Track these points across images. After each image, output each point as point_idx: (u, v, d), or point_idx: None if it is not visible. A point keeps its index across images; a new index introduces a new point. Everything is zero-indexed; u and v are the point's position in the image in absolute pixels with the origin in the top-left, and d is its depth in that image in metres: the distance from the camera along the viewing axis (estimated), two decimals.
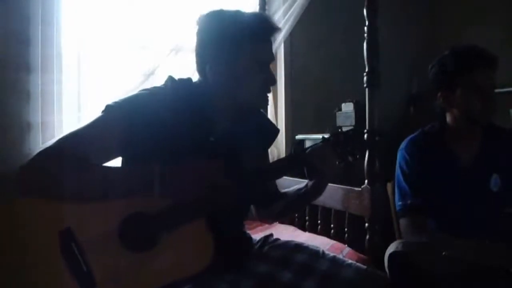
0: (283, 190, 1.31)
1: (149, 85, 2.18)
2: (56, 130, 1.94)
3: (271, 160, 1.41)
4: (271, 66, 1.16)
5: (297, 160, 1.15)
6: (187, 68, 2.29)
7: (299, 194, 1.22)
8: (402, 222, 1.46)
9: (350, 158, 1.14)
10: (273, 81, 1.15)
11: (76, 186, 0.95)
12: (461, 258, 1.19)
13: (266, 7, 2.54)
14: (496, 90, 1.49)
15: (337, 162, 1.13)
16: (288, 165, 1.14)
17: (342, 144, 1.13)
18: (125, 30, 2.24)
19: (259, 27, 1.10)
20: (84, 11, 2.09)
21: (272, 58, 1.16)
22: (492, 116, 1.46)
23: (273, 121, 2.70)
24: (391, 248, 1.30)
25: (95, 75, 2.18)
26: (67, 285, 0.92)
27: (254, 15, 1.16)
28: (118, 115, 1.03)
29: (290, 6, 2.50)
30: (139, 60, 2.29)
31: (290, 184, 1.32)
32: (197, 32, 1.14)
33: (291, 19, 2.47)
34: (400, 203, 1.47)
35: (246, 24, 1.09)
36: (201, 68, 1.15)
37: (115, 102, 1.06)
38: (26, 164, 0.98)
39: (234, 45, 1.08)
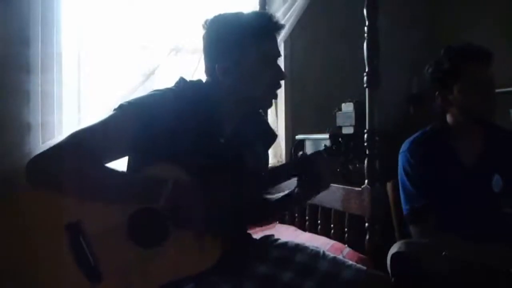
0: (266, 196, 1.31)
1: (149, 85, 2.20)
2: (56, 130, 1.94)
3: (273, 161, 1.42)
4: None
5: (299, 165, 1.17)
6: (187, 68, 2.30)
7: (286, 200, 1.24)
8: (413, 227, 1.44)
9: (350, 167, 1.16)
10: (281, 76, 1.17)
11: (85, 183, 0.96)
12: (461, 258, 1.19)
13: (266, 7, 2.53)
14: (496, 90, 1.49)
15: (337, 170, 1.15)
16: (292, 170, 1.17)
17: (344, 153, 1.16)
18: (125, 30, 2.24)
19: (264, 24, 1.13)
20: (84, 11, 2.09)
21: (278, 53, 1.19)
22: (493, 114, 1.46)
23: (274, 121, 2.71)
24: (393, 249, 1.30)
25: (95, 75, 2.18)
26: (74, 278, 0.93)
27: (257, 13, 1.25)
28: (131, 113, 1.05)
29: (290, 6, 2.49)
30: (139, 60, 2.29)
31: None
32: (204, 35, 1.17)
33: (291, 19, 2.47)
34: (407, 207, 1.46)
35: (251, 22, 1.13)
36: (210, 68, 1.16)
37: (128, 101, 1.08)
38: (36, 158, 0.98)
39: (241, 43, 1.11)
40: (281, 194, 1.26)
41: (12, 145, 1.83)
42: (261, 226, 1.34)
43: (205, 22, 1.16)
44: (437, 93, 1.48)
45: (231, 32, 1.12)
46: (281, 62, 2.75)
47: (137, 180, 1.03)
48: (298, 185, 1.18)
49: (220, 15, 1.16)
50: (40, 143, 1.89)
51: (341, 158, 1.17)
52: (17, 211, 0.96)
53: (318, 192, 1.19)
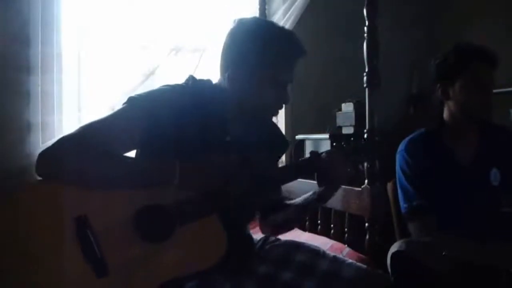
0: (288, 202, 1.31)
1: (149, 84, 2.20)
2: (56, 130, 1.95)
3: None
4: None
5: (310, 165, 1.16)
6: (187, 68, 2.31)
7: (307, 203, 1.24)
8: (411, 225, 1.44)
9: (360, 167, 1.17)
10: (286, 101, 1.17)
11: (95, 174, 0.97)
12: (461, 258, 1.19)
13: (266, 7, 2.53)
14: (496, 90, 1.50)
15: (348, 169, 1.16)
16: (301, 170, 1.17)
17: (355, 153, 1.17)
18: (125, 30, 2.25)
19: (288, 47, 1.12)
20: (84, 11, 2.09)
21: (291, 80, 1.16)
22: (488, 114, 1.47)
23: (273, 120, 2.70)
24: (394, 248, 1.30)
25: (95, 75, 2.18)
26: (74, 278, 0.93)
27: (286, 32, 1.18)
28: (140, 107, 1.05)
29: (290, 6, 2.49)
30: (139, 60, 2.29)
31: (300, 185, 1.33)
32: (230, 32, 1.15)
33: (291, 19, 2.47)
34: (405, 205, 1.46)
35: (275, 39, 1.12)
36: (224, 68, 1.16)
37: (138, 95, 1.08)
38: (47, 149, 0.98)
39: (258, 57, 1.10)
40: (303, 196, 1.26)
41: (12, 145, 1.83)
42: (287, 230, 1.33)
43: (234, 21, 1.14)
44: (438, 85, 1.49)
45: (253, 43, 1.10)
46: None
47: (145, 163, 1.05)
48: (319, 184, 1.18)
49: (253, 19, 1.17)
50: (40, 143, 1.89)
51: (351, 157, 1.18)
52: (17, 211, 0.96)
53: (336, 189, 1.19)
